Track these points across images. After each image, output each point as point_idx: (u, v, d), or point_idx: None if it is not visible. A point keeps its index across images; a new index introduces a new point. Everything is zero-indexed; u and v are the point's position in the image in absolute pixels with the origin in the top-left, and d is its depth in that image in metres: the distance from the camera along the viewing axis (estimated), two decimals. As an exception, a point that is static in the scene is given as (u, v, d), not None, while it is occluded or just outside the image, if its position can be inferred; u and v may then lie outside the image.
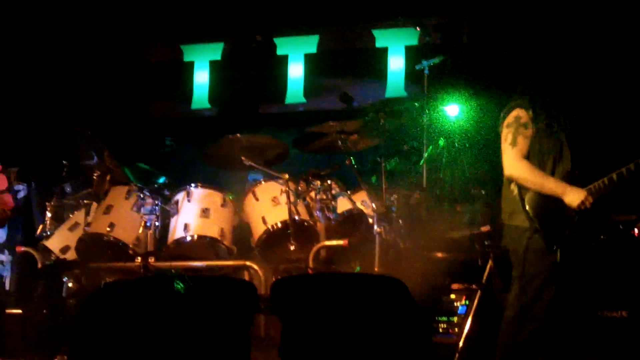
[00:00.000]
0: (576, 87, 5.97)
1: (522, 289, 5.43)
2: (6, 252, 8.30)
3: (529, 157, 5.51)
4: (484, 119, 7.77)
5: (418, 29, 9.50)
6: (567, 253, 5.42)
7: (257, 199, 6.64)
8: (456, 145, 7.49)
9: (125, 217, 6.56)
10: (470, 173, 7.33)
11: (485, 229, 6.77)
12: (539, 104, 5.60)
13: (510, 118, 5.57)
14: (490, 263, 6.59)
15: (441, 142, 7.87)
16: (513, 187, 5.54)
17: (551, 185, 5.44)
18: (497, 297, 6.47)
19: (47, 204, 7.17)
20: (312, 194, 6.63)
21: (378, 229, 6.37)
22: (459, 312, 6.62)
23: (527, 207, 5.42)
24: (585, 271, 5.76)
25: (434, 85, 8.13)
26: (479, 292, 6.51)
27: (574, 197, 5.39)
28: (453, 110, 7.76)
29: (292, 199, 6.41)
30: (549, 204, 5.42)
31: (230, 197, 6.72)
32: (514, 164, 5.49)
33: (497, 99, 7.84)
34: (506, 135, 5.55)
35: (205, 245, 6.55)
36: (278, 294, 4.50)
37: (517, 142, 5.48)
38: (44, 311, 6.28)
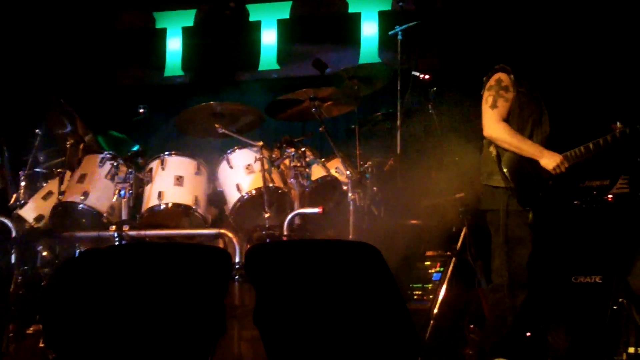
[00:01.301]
0: (557, 51, 6.02)
1: (508, 255, 5.49)
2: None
3: (508, 120, 5.59)
4: (457, 85, 7.77)
5: None
6: (541, 216, 5.49)
7: (231, 167, 6.62)
8: (430, 111, 7.48)
9: (98, 185, 6.52)
10: (444, 140, 7.33)
11: (459, 195, 6.81)
12: (520, 68, 5.67)
13: (492, 81, 5.67)
14: (464, 230, 6.63)
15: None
16: (492, 148, 5.62)
17: (528, 147, 5.54)
18: (471, 264, 6.52)
19: (20, 173, 7.12)
20: (286, 161, 6.62)
21: (352, 196, 6.37)
22: (433, 278, 6.67)
23: (504, 168, 5.49)
24: (558, 236, 5.80)
25: (407, 51, 8.11)
26: (453, 259, 6.55)
27: (549, 160, 5.48)
28: (426, 76, 7.74)
29: (266, 166, 6.40)
30: (525, 166, 5.51)
31: (204, 166, 6.69)
32: (493, 125, 5.59)
33: (471, 65, 7.85)
34: (487, 97, 5.65)
35: (179, 214, 6.53)
36: (252, 261, 4.51)
37: (497, 104, 5.58)
38: (18, 280, 6.26)
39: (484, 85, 5.79)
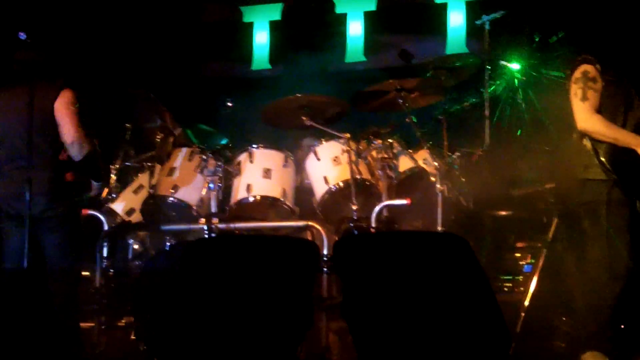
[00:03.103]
0: None
1: (608, 246, 5.40)
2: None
3: (600, 111, 5.50)
4: (546, 75, 7.67)
5: None
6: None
7: (318, 159, 6.63)
8: (519, 101, 7.40)
9: (188, 178, 6.60)
10: (533, 129, 7.23)
11: (549, 185, 6.71)
12: (605, 57, 5.57)
13: (577, 73, 5.56)
14: (555, 220, 6.52)
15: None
16: (586, 141, 5.53)
17: (624, 137, 5.45)
18: (563, 255, 6.42)
19: (111, 167, 7.24)
20: (374, 152, 6.61)
21: (440, 187, 6.32)
22: (524, 270, 6.59)
23: (603, 160, 5.41)
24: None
25: (495, 40, 8.02)
26: (544, 250, 6.46)
27: None
28: (514, 66, 7.65)
29: (353, 158, 6.39)
30: (623, 156, 5.41)
31: (292, 158, 6.71)
32: (586, 118, 5.49)
33: (559, 54, 7.74)
34: (575, 90, 5.54)
35: (267, 206, 6.57)
36: (340, 253, 4.51)
37: (588, 96, 5.48)
38: (110, 273, 6.36)
39: (568, 77, 5.69)
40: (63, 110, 5.54)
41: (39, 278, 5.25)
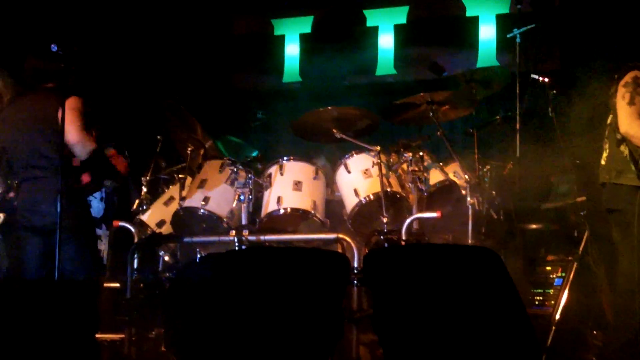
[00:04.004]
0: None
1: (639, 258, 5.38)
2: (103, 226, 8.47)
3: None
4: (577, 88, 7.63)
5: None
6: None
7: (348, 172, 6.63)
8: (550, 114, 7.36)
9: (219, 190, 6.62)
10: (565, 143, 7.20)
11: (580, 199, 6.68)
12: None
13: (627, 78, 5.57)
14: (586, 234, 6.49)
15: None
16: (623, 147, 5.52)
17: None
18: (594, 269, 6.39)
19: (142, 178, 7.28)
20: (404, 165, 6.60)
21: (471, 200, 6.32)
22: (555, 284, 6.56)
23: None
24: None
25: (526, 53, 8.00)
26: (575, 263, 6.43)
27: None
28: (546, 79, 7.61)
29: (383, 170, 6.39)
30: None
31: (322, 170, 6.71)
32: (630, 122, 5.49)
33: (592, 66, 7.69)
34: (624, 94, 5.54)
35: (298, 218, 6.57)
36: (370, 265, 4.51)
37: (635, 101, 5.48)
38: (141, 285, 6.39)
39: (615, 82, 5.67)
40: (67, 115, 5.52)
41: (56, 289, 5.24)
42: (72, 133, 5.61)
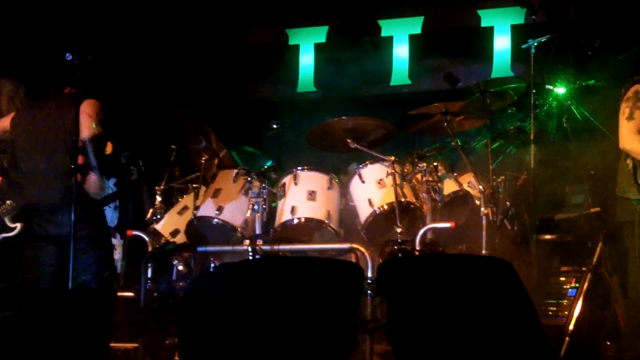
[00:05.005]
0: None
1: None
2: (117, 235, 8.48)
3: None
4: (592, 99, 7.64)
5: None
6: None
7: (363, 181, 6.64)
8: (564, 125, 7.36)
9: (233, 200, 6.62)
10: (579, 154, 7.19)
11: (594, 210, 6.67)
12: None
13: (629, 93, 5.56)
14: (600, 244, 6.48)
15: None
16: (629, 161, 5.51)
17: None
18: (607, 280, 6.38)
19: (156, 188, 7.30)
20: (418, 175, 6.60)
21: (485, 211, 6.32)
22: (568, 294, 6.54)
23: (639, 180, 5.39)
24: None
25: (541, 64, 8.00)
26: (588, 274, 6.41)
27: None
28: (560, 90, 7.63)
29: (398, 181, 6.39)
30: None
31: (337, 180, 6.71)
32: (628, 137, 5.48)
33: (606, 77, 7.69)
34: (624, 109, 5.54)
35: (312, 228, 6.58)
36: (384, 275, 4.51)
37: (634, 116, 5.47)
38: (155, 294, 6.40)
39: (621, 96, 5.66)
40: (80, 116, 5.46)
41: (71, 298, 5.25)
42: (84, 130, 5.54)
